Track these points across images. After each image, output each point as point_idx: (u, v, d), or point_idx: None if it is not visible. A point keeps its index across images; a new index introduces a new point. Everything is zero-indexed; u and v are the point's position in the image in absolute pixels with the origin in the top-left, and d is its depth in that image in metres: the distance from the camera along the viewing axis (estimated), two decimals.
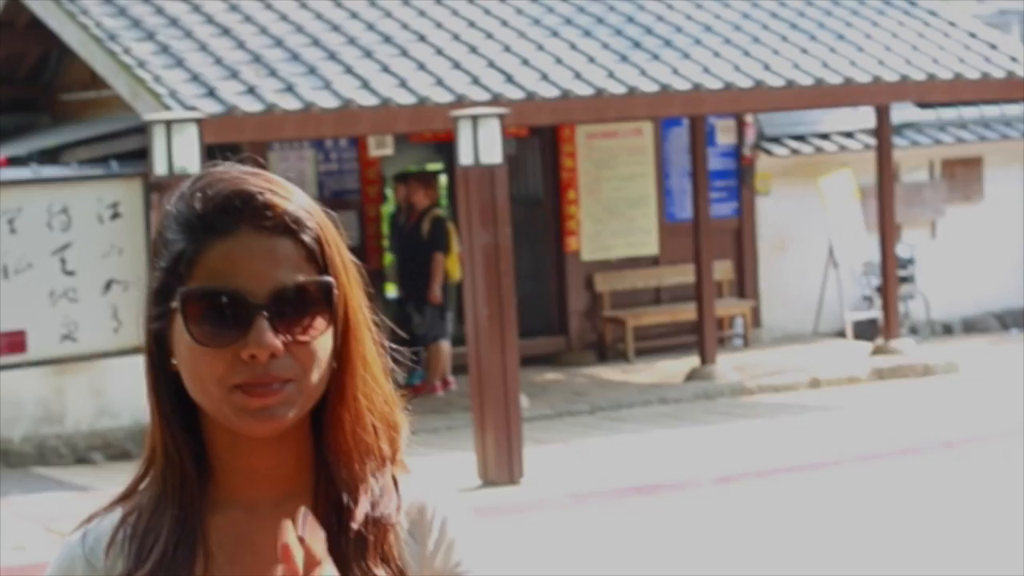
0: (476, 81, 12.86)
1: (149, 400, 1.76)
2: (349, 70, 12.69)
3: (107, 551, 1.78)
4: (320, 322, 1.70)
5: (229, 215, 1.69)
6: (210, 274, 1.68)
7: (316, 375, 1.70)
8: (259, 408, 1.68)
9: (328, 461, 1.75)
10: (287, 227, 1.70)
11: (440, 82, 12.75)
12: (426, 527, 1.79)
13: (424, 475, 1.82)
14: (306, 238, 1.70)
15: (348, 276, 1.74)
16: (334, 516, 1.74)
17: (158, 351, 1.74)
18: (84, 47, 12.82)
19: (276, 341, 1.66)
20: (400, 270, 15.05)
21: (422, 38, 13.46)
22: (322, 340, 1.71)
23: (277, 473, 1.76)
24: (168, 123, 10.98)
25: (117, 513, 1.80)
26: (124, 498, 1.81)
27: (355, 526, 1.74)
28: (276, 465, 1.76)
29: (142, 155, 11.89)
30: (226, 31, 13.03)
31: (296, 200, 1.72)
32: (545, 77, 13.14)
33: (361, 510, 1.74)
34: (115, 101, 13.04)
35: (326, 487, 1.75)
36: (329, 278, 1.71)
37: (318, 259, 1.71)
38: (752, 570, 8.79)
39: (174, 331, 1.71)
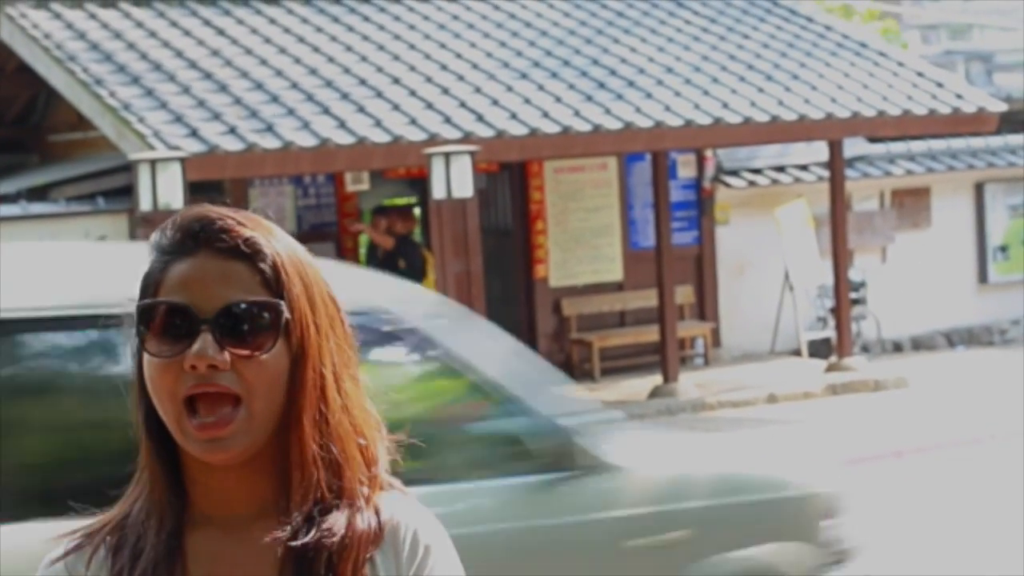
0: (448, 120, 12.88)
1: (139, 420, 1.77)
2: (326, 111, 12.70)
3: (87, 566, 1.78)
4: (266, 342, 1.70)
5: (189, 238, 1.73)
6: (167, 292, 1.71)
7: (265, 397, 1.70)
8: (207, 439, 1.68)
9: (295, 486, 1.74)
10: (242, 251, 1.71)
11: (414, 121, 12.77)
12: (400, 543, 1.77)
13: (395, 492, 1.81)
14: (261, 264, 1.72)
15: (312, 308, 1.74)
16: (304, 541, 1.73)
17: (140, 374, 1.75)
18: (71, 91, 12.79)
19: (217, 354, 1.67)
20: None
21: (396, 80, 13.48)
22: (271, 361, 1.70)
23: (250, 493, 1.76)
24: (153, 162, 10.96)
25: (100, 530, 1.80)
26: (111, 516, 1.81)
27: (325, 552, 1.73)
28: (249, 486, 1.75)
29: (127, 192, 11.89)
30: (208, 75, 13.03)
31: (258, 229, 1.74)
32: (514, 116, 13.18)
33: (329, 537, 1.73)
34: (101, 141, 13.01)
35: (296, 512, 1.74)
36: (278, 301, 1.71)
37: (273, 284, 1.72)
38: None
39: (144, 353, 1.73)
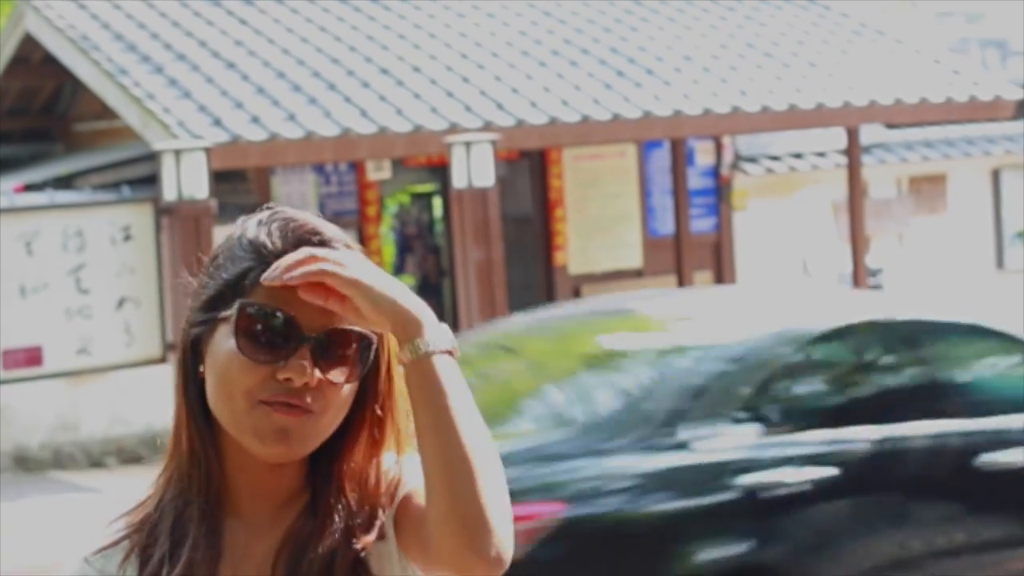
0: (468, 109, 12.85)
1: (175, 400, 1.75)
2: (348, 100, 12.68)
3: (122, 565, 1.77)
4: (355, 371, 1.71)
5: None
6: (270, 297, 1.69)
7: (330, 418, 1.72)
8: (280, 427, 1.68)
9: (338, 493, 1.75)
10: None
11: (435, 110, 12.74)
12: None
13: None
14: None
15: (390, 337, 1.75)
16: (317, 543, 1.74)
17: (192, 356, 1.74)
18: (97, 81, 12.80)
19: (314, 374, 1.68)
20: None
21: (417, 69, 13.45)
22: (348, 388, 1.72)
23: (278, 492, 1.78)
24: (177, 151, 10.97)
25: (129, 523, 1.79)
26: (137, 512, 1.80)
27: (321, 550, 1.73)
28: (279, 485, 1.77)
29: (152, 181, 11.90)
30: (231, 65, 13.01)
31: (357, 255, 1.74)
32: (534, 104, 13.14)
33: (345, 541, 1.74)
34: (126, 131, 13.02)
35: (324, 516, 1.74)
36: (373, 334, 1.72)
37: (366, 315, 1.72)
38: None
39: (214, 339, 1.71)
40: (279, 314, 1.68)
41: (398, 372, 1.74)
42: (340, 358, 1.70)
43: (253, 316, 1.69)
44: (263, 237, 1.72)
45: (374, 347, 1.72)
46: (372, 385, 1.75)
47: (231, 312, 1.70)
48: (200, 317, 1.73)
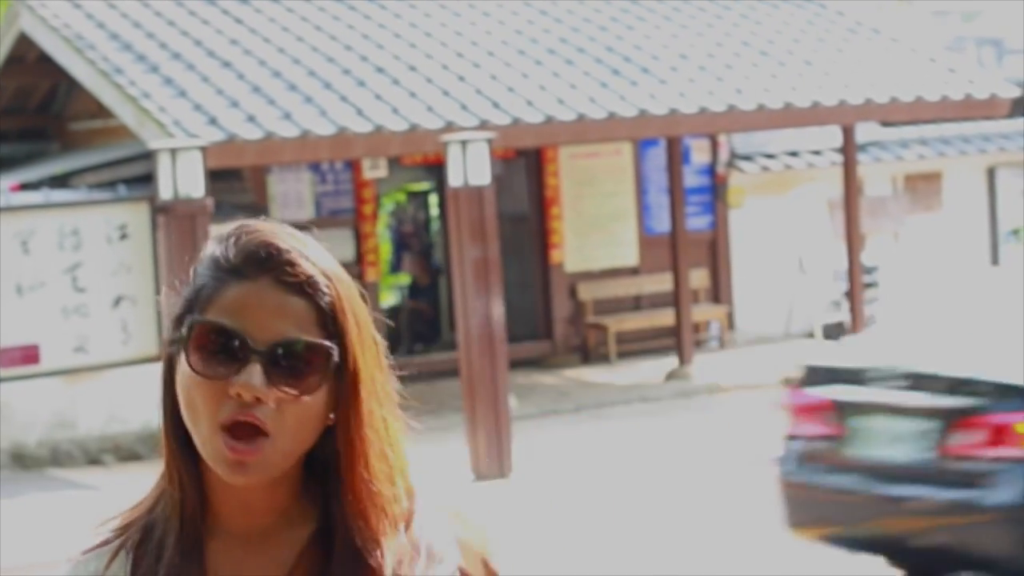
0: (464, 107, 12.85)
1: (162, 419, 1.74)
2: (344, 98, 12.68)
3: (108, 564, 1.76)
4: (312, 384, 1.67)
5: (253, 263, 1.68)
6: (221, 312, 1.67)
7: (294, 434, 1.67)
8: (235, 461, 1.65)
9: (345, 516, 1.72)
10: (303, 288, 1.68)
11: (430, 109, 12.74)
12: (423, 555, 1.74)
13: (431, 511, 1.78)
14: (321, 302, 1.68)
15: (363, 347, 1.71)
16: (352, 569, 1.72)
17: (169, 373, 1.72)
18: (92, 80, 12.79)
19: (264, 387, 1.64)
20: None
21: (413, 68, 13.45)
22: (310, 401, 1.67)
23: (270, 507, 1.74)
24: (173, 150, 10.96)
25: (128, 527, 1.78)
26: (130, 514, 1.79)
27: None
28: (269, 501, 1.74)
29: (148, 180, 11.89)
30: (227, 63, 13.01)
31: (321, 265, 1.70)
32: (530, 103, 13.14)
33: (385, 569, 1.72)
34: (122, 130, 13.02)
35: (344, 542, 1.72)
36: (330, 344, 1.68)
37: (328, 325, 1.68)
38: (743, 560, 8.78)
39: (180, 358, 1.69)
40: (225, 328, 1.66)
41: (367, 381, 1.71)
42: (295, 371, 1.66)
43: (201, 333, 1.67)
44: (219, 252, 1.71)
45: (334, 358, 1.68)
46: (338, 397, 1.71)
47: (184, 331, 1.69)
48: (172, 336, 1.72)
